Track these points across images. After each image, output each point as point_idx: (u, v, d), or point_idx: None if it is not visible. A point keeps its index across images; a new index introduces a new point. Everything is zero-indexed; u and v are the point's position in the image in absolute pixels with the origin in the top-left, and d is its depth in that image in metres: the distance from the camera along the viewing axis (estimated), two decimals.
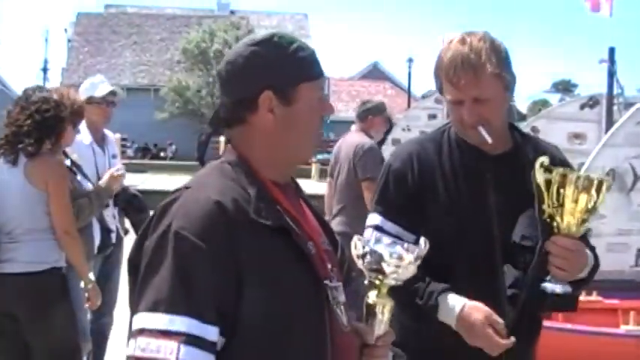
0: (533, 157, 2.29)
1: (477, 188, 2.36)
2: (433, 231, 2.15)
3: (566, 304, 2.34)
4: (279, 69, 1.70)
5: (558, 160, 2.39)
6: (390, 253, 1.77)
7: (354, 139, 6.24)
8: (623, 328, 5.67)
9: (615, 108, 8.42)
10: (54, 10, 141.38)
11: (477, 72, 2.26)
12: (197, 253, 1.53)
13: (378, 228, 2.36)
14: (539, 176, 2.22)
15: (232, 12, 45.98)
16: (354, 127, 6.49)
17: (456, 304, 2.26)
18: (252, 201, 1.61)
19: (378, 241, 1.82)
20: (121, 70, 40.47)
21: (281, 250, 1.61)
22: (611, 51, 8.44)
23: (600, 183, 2.19)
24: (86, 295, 4.05)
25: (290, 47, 1.71)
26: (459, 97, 2.30)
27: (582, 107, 8.57)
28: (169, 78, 38.22)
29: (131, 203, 5.01)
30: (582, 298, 5.77)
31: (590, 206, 2.19)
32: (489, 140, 2.31)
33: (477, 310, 2.24)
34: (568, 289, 2.20)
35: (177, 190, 1.65)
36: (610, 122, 7.88)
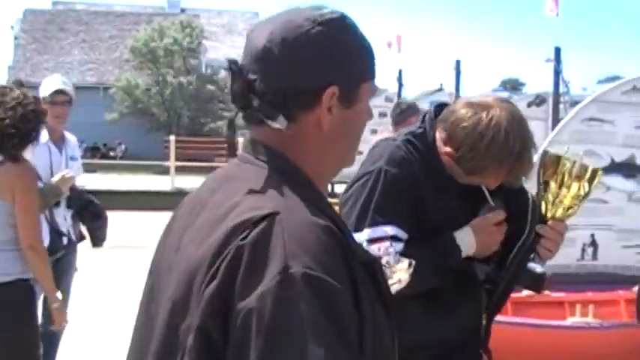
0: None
1: (465, 202, 2.40)
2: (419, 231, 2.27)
3: (539, 284, 2.47)
4: (350, 61, 1.39)
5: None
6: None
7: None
8: (569, 320, 5.80)
9: (561, 106, 8.59)
10: (0, 6, 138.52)
11: None
12: (340, 297, 1.18)
13: (395, 238, 2.27)
14: (538, 161, 2.34)
15: (183, 10, 45.61)
16: (390, 129, 6.57)
17: (465, 230, 2.35)
18: (338, 225, 1.31)
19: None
20: (69, 68, 39.86)
21: (372, 290, 1.31)
22: (557, 51, 8.61)
23: (594, 172, 2.31)
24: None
25: (359, 34, 1.42)
26: None
27: (529, 105, 8.73)
28: (118, 77, 37.77)
29: (86, 208, 4.92)
30: (530, 292, 5.89)
31: (582, 193, 2.31)
32: None
33: (482, 220, 2.37)
34: (545, 269, 2.39)
35: (259, 221, 1.22)
36: (556, 120, 8.05)
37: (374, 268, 1.34)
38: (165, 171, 20.91)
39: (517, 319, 5.42)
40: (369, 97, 1.45)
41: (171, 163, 19.77)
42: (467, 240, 2.33)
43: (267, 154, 1.38)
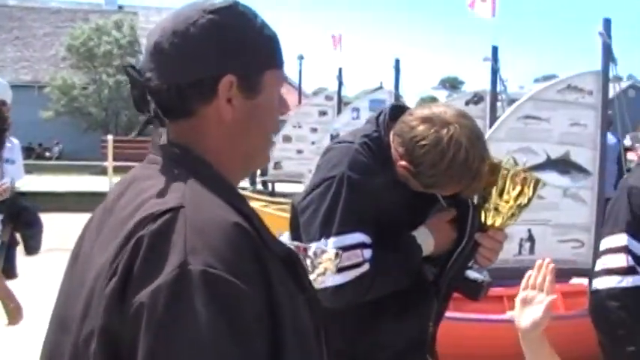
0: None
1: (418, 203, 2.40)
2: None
3: (477, 292, 2.48)
4: (245, 48, 1.32)
5: None
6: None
7: None
8: (508, 314, 5.88)
9: (499, 104, 8.72)
10: None
11: None
12: (243, 299, 1.10)
13: (364, 245, 2.25)
14: (497, 174, 2.32)
15: (120, 7, 44.91)
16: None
17: (421, 230, 2.37)
18: (252, 221, 1.23)
19: None
20: (1, 66, 38.90)
21: (292, 285, 1.24)
22: (494, 50, 8.72)
23: (535, 181, 2.31)
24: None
25: (257, 21, 1.35)
26: None
27: (467, 103, 8.83)
28: (54, 75, 37.02)
29: (20, 215, 4.77)
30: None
31: (523, 202, 2.31)
32: None
33: (437, 219, 2.39)
34: (489, 278, 2.41)
35: (161, 214, 1.16)
36: (494, 118, 8.16)
37: (292, 262, 1.27)
38: (102, 171, 20.60)
39: (458, 314, 5.50)
40: (277, 87, 1.38)
41: (109, 163, 19.47)
42: (425, 240, 2.34)
43: (171, 151, 1.32)
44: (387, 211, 2.31)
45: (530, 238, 6.25)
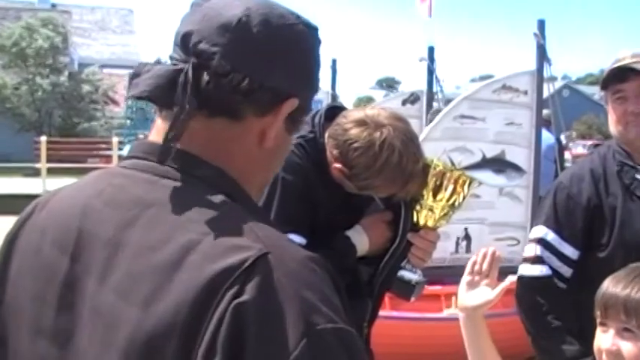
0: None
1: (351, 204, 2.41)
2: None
3: (409, 292, 2.47)
4: (315, 78, 1.17)
5: None
6: None
7: None
8: (445, 312, 5.95)
9: (435, 104, 8.79)
10: None
11: None
12: (359, 344, 1.01)
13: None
14: (429, 173, 2.34)
15: (53, 5, 44.05)
16: None
17: (356, 229, 2.37)
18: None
19: None
20: None
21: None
22: (431, 50, 8.79)
23: (469, 181, 2.33)
24: None
25: (320, 54, 1.18)
26: None
27: (404, 103, 8.87)
28: None
29: None
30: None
31: (457, 203, 2.33)
32: None
33: (372, 218, 2.41)
34: (423, 278, 2.42)
35: (250, 266, 0.94)
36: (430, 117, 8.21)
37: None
38: (36, 173, 20.15)
39: (395, 313, 5.51)
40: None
41: (42, 164, 19.06)
42: (360, 239, 2.35)
43: (192, 163, 1.08)
44: (322, 212, 2.32)
45: (467, 237, 6.31)
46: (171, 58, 1.12)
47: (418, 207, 2.37)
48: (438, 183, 2.32)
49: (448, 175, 2.33)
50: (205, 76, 1.06)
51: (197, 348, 0.91)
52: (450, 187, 2.32)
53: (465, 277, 2.01)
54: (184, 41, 1.09)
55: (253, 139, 1.11)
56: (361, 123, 2.22)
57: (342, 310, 0.98)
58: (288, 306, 0.92)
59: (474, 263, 2.03)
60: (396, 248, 2.41)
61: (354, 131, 2.21)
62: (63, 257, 1.08)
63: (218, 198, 1.05)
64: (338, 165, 2.26)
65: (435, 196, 2.33)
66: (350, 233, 2.35)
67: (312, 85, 1.17)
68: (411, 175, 2.22)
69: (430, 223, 2.39)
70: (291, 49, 1.11)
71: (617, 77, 2.52)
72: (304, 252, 1.02)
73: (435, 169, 2.33)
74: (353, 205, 2.38)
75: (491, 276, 2.01)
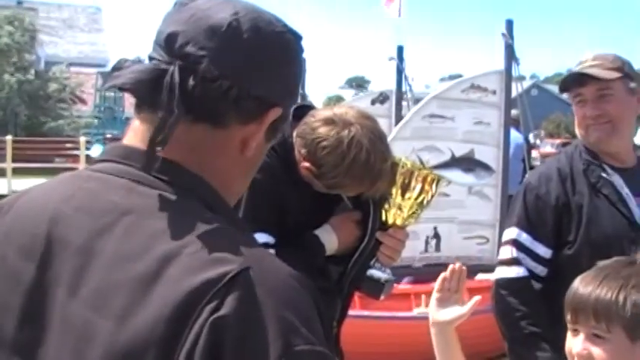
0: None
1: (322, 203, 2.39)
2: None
3: (378, 291, 2.48)
4: (295, 89, 1.15)
5: None
6: None
7: None
8: (415, 311, 5.97)
9: (404, 103, 8.81)
10: None
11: None
12: None
13: (266, 246, 2.21)
14: (397, 172, 2.35)
15: (20, 2, 43.55)
16: None
17: (325, 228, 2.36)
18: None
19: None
20: None
21: None
22: (400, 49, 8.81)
23: (437, 179, 2.37)
24: None
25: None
26: None
27: (373, 102, 8.89)
28: None
29: None
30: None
31: (425, 201, 2.35)
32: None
33: (341, 217, 2.39)
34: (392, 277, 2.43)
35: (230, 280, 0.91)
36: (399, 116, 8.23)
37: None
38: (1, 173, 19.91)
39: (365, 312, 5.52)
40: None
41: (8, 164, 18.85)
42: (329, 238, 2.34)
43: (172, 170, 1.03)
44: (291, 212, 2.31)
45: (436, 236, 6.33)
46: (150, 58, 1.07)
47: (387, 206, 2.39)
48: (406, 182, 2.34)
49: (416, 173, 2.35)
50: (191, 81, 1.02)
51: None
52: (419, 186, 2.34)
53: (435, 294, 2.03)
54: (169, 42, 1.05)
55: (235, 148, 1.07)
56: (329, 121, 2.22)
57: (321, 332, 0.96)
58: (268, 324, 0.90)
59: (444, 279, 2.04)
60: (365, 247, 2.41)
61: (322, 130, 2.21)
62: (29, 265, 1.03)
63: (198, 208, 1.01)
64: (306, 164, 2.25)
65: (403, 194, 2.35)
66: (319, 232, 2.34)
67: (295, 94, 1.15)
68: (379, 173, 2.22)
69: (399, 222, 2.41)
70: (279, 58, 1.08)
71: (576, 81, 2.57)
72: (286, 268, 0.99)
73: (403, 167, 2.34)
74: (322, 204, 2.37)
75: (460, 290, 2.03)
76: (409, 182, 2.34)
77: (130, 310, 0.92)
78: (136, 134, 1.08)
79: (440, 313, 2.01)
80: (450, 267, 2.05)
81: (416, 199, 2.35)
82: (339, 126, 2.20)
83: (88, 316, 0.95)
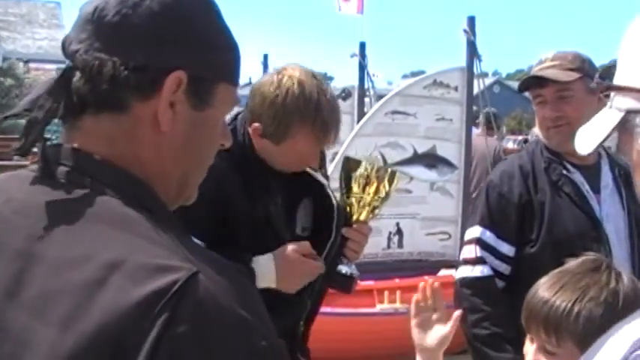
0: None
1: (266, 194, 2.34)
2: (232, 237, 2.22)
3: (348, 285, 2.48)
4: (205, 44, 1.06)
5: None
6: None
7: (485, 141, 7.27)
8: (378, 307, 5.99)
9: (367, 100, 8.83)
10: None
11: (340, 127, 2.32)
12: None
13: None
14: (357, 168, 2.39)
15: None
16: (478, 131, 7.68)
17: (266, 257, 2.26)
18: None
19: None
20: None
21: None
22: (362, 46, 8.82)
23: (393, 174, 2.41)
24: None
25: (221, 21, 1.09)
26: None
27: None
28: None
29: None
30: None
31: (382, 195, 2.39)
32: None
33: (286, 248, 2.27)
34: (357, 272, 2.45)
35: (182, 286, 0.87)
36: (362, 113, 8.25)
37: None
38: None
39: (328, 309, 5.50)
40: (228, 107, 1.11)
41: None
42: (266, 265, 2.25)
43: (100, 169, 1.00)
44: (238, 220, 2.25)
45: (399, 232, 6.36)
46: None
47: (350, 202, 2.41)
48: (366, 177, 2.38)
49: (374, 174, 2.39)
50: (76, 77, 1.01)
51: None
52: (376, 182, 2.39)
53: (413, 320, 1.94)
54: (63, 49, 1.06)
55: (147, 127, 1.02)
56: (267, 79, 2.27)
57: (268, 319, 0.94)
58: (227, 328, 0.88)
59: (417, 302, 1.95)
60: (333, 242, 2.41)
61: (263, 88, 2.24)
62: None
63: (135, 210, 0.97)
64: (255, 125, 2.25)
65: (364, 189, 2.38)
66: (259, 257, 2.25)
67: (206, 49, 1.06)
68: (318, 104, 2.20)
69: (363, 217, 2.43)
70: (157, 20, 1.02)
71: (535, 82, 2.59)
72: (229, 264, 0.97)
73: (362, 164, 2.38)
74: (276, 219, 2.32)
75: (439, 308, 1.94)
76: (369, 177, 2.37)
77: (73, 316, 0.88)
78: (62, 135, 1.06)
79: (424, 338, 1.92)
80: (421, 285, 1.97)
81: (376, 193, 2.38)
82: (274, 74, 2.26)
83: (27, 322, 0.91)
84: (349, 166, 2.43)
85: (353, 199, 2.40)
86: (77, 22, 1.05)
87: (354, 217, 2.42)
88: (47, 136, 1.01)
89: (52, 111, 1.00)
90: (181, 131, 1.03)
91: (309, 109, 2.19)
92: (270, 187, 2.32)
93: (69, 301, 0.89)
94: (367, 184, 2.38)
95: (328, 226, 2.42)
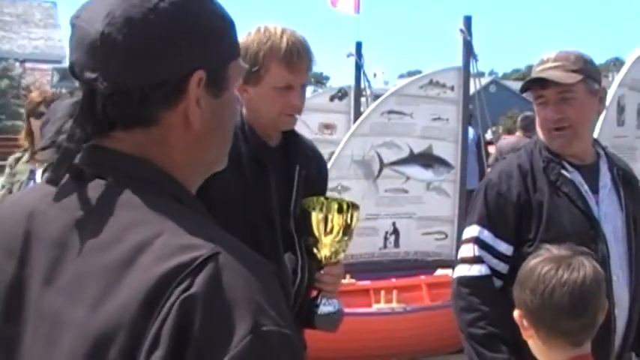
0: (299, 153, 2.45)
1: (261, 179, 2.36)
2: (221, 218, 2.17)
3: (334, 324, 2.46)
4: (213, 37, 1.09)
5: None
6: None
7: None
8: (375, 307, 5.98)
9: (363, 99, 8.82)
10: None
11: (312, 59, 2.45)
12: (301, 352, 1.02)
13: None
14: (313, 214, 2.32)
15: None
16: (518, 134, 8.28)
17: None
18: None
19: None
20: None
21: None
22: (359, 45, 8.81)
23: (353, 206, 2.36)
24: None
25: (217, 4, 1.12)
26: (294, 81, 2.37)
27: (332, 99, 8.89)
28: None
29: None
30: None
31: (349, 231, 2.35)
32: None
33: None
34: (338, 306, 2.42)
35: (200, 264, 0.93)
36: (358, 113, 8.24)
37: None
38: None
39: None
40: (237, 81, 1.17)
41: None
42: None
43: (135, 166, 1.05)
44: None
45: (395, 232, 6.35)
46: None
47: (316, 246, 2.36)
48: (324, 221, 2.32)
49: (330, 215, 2.33)
50: (100, 102, 1.05)
51: (143, 342, 0.90)
52: (338, 221, 2.34)
53: None
54: (73, 73, 1.08)
55: (179, 130, 1.07)
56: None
57: (287, 316, 0.98)
58: (237, 303, 0.92)
59: None
60: (299, 288, 2.40)
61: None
62: (11, 262, 1.06)
63: (165, 200, 1.03)
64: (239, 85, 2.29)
65: (325, 232, 2.33)
66: None
67: (215, 41, 1.09)
68: (284, 33, 2.35)
69: (333, 259, 2.40)
70: (165, 33, 1.04)
71: (537, 83, 2.58)
72: (255, 255, 1.01)
73: (316, 207, 2.33)
74: (261, 177, 2.34)
75: None
76: (327, 219, 2.33)
77: (102, 296, 0.94)
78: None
79: None
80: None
81: (338, 233, 2.34)
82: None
83: (62, 304, 0.98)
84: (304, 212, 2.36)
85: (317, 243, 2.36)
86: (80, 46, 1.06)
87: (324, 261, 2.39)
88: None
89: (82, 140, 1.06)
90: (208, 121, 1.08)
91: (276, 35, 2.34)
92: (264, 164, 2.35)
93: (100, 281, 0.96)
94: (326, 225, 2.33)
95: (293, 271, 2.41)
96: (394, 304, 5.95)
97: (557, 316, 1.90)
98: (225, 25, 1.12)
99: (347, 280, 6.14)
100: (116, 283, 0.94)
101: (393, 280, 6.28)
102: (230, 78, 1.11)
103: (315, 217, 2.32)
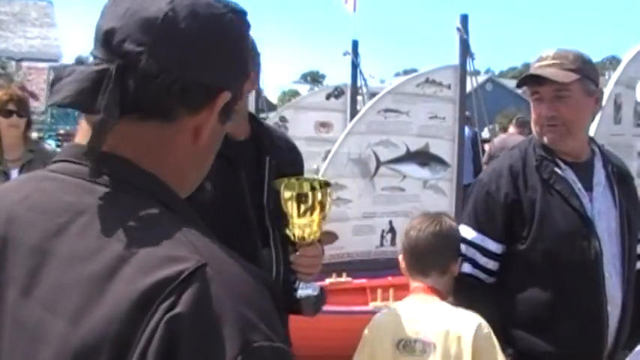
0: (269, 145, 2.44)
1: (233, 179, 2.35)
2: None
3: (317, 306, 2.43)
4: (246, 67, 1.11)
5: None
6: None
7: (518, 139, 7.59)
8: (371, 305, 5.98)
9: (360, 98, 8.83)
10: None
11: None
12: None
13: None
14: (284, 194, 2.28)
15: None
16: (511, 130, 8.31)
17: None
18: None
19: None
20: None
21: None
22: (355, 44, 8.82)
23: (325, 184, 2.32)
24: None
25: (251, 41, 1.18)
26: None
27: (328, 97, 8.90)
28: None
29: None
30: (333, 279, 6.05)
31: (324, 211, 2.31)
32: None
33: None
34: (317, 289, 2.39)
35: (187, 278, 0.89)
36: (354, 111, 8.25)
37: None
38: None
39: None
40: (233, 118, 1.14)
41: None
42: None
43: (125, 169, 1.01)
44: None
45: (392, 230, 6.36)
46: (93, 56, 1.04)
47: (289, 228, 2.31)
48: (297, 200, 2.27)
49: (301, 194, 2.28)
50: (132, 79, 0.99)
51: None
52: (310, 200, 2.27)
53: None
54: (107, 40, 1.02)
55: (187, 138, 1.05)
56: None
57: (280, 328, 0.94)
58: (225, 320, 0.87)
59: None
60: (277, 273, 2.39)
61: None
62: None
63: (153, 206, 0.99)
64: None
65: (299, 212, 2.27)
66: None
67: (244, 73, 1.11)
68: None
69: (307, 240, 2.32)
70: (222, 42, 1.04)
71: (533, 79, 2.58)
72: (244, 264, 0.97)
73: (291, 187, 2.28)
74: (229, 171, 2.30)
75: None
76: (300, 197, 2.27)
77: (84, 309, 0.90)
78: (83, 134, 1.06)
79: None
80: None
81: (310, 212, 2.27)
82: None
83: (41, 316, 0.93)
84: (280, 192, 2.31)
85: (291, 224, 2.29)
86: (129, 16, 1.02)
87: (298, 242, 2.33)
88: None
89: (117, 115, 0.99)
90: (208, 143, 1.07)
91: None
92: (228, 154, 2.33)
93: (80, 293, 0.91)
94: (299, 205, 2.27)
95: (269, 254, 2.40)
96: (391, 303, 5.95)
97: None
98: (250, 64, 1.13)
99: (344, 278, 6.16)
100: (97, 295, 0.90)
101: (390, 278, 6.28)
102: (234, 111, 1.11)
103: (285, 195, 2.27)
